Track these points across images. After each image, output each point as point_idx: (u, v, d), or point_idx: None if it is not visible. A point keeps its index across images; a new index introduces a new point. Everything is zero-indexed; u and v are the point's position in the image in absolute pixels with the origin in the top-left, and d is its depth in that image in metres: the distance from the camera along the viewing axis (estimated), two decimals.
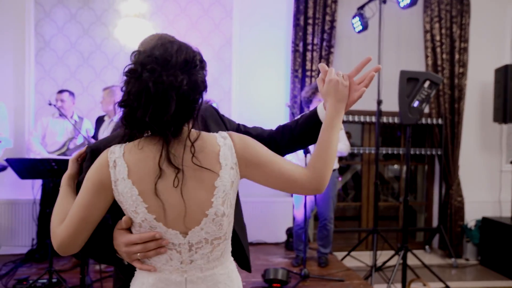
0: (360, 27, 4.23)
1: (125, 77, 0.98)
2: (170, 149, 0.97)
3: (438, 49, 4.64)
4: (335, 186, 3.75)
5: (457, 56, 4.67)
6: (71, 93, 3.91)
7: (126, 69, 0.98)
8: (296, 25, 4.47)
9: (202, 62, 1.01)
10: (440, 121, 4.65)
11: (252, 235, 4.57)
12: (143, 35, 4.62)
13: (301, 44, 4.46)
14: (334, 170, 3.66)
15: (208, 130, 1.16)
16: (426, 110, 4.62)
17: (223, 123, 1.34)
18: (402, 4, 3.60)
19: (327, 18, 4.48)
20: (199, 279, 1.04)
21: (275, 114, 4.49)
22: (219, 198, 1.00)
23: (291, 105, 3.79)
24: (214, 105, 1.79)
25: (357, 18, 4.24)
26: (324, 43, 4.47)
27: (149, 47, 0.98)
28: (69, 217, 1.00)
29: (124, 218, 1.03)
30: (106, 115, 3.71)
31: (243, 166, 1.04)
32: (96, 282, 3.12)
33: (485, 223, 4.48)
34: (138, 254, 1.01)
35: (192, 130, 1.02)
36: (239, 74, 4.57)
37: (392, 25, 4.61)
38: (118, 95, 3.55)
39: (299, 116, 1.29)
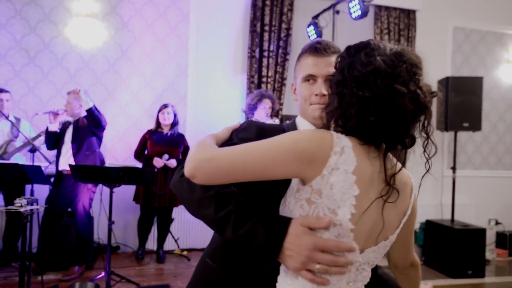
0: (315, 36, 4.35)
1: (359, 85, 0.88)
2: (386, 162, 0.92)
3: None
4: None
5: None
6: (10, 93, 3.74)
7: (367, 79, 0.88)
8: (252, 31, 4.52)
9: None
10: None
11: (206, 240, 4.52)
12: (96, 35, 4.51)
13: (257, 50, 4.51)
14: None
15: None
16: None
17: None
18: (354, 16, 3.74)
19: (283, 25, 4.57)
20: None
21: (230, 119, 4.50)
22: (399, 228, 0.98)
23: (247, 110, 3.82)
24: None
25: (312, 27, 4.36)
26: (280, 50, 4.55)
27: (390, 56, 0.90)
28: (232, 154, 0.84)
29: (328, 216, 0.86)
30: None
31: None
32: None
33: (428, 225, 4.74)
34: (318, 266, 0.84)
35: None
36: (195, 79, 4.53)
37: (345, 35, 4.77)
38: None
39: None
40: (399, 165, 0.97)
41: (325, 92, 1.07)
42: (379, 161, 0.91)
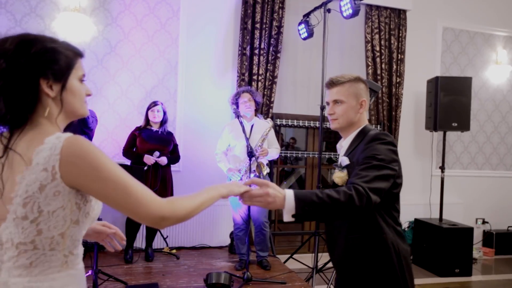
0: (306, 34, 4.34)
1: None
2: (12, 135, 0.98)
3: (378, 59, 4.89)
4: None
5: (394, 67, 4.95)
6: None
7: None
8: (243, 28, 4.49)
9: (22, 46, 0.98)
10: (379, 127, 4.89)
11: (195, 239, 4.50)
12: (84, 30, 4.43)
13: (248, 48, 4.48)
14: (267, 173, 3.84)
15: None
16: (366, 117, 4.84)
17: None
18: (345, 14, 3.74)
19: (274, 23, 4.55)
20: (5, 284, 0.95)
21: (221, 117, 4.47)
22: (19, 198, 0.93)
23: (234, 107, 3.80)
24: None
25: (303, 25, 4.34)
26: (271, 48, 4.53)
27: None
28: None
29: None
30: None
31: (71, 174, 0.94)
32: None
33: (417, 224, 4.78)
34: None
35: (41, 122, 1.00)
36: (185, 76, 4.49)
37: (336, 34, 4.78)
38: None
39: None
40: (37, 136, 0.99)
41: (332, 112, 1.68)
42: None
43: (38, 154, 0.93)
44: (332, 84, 1.68)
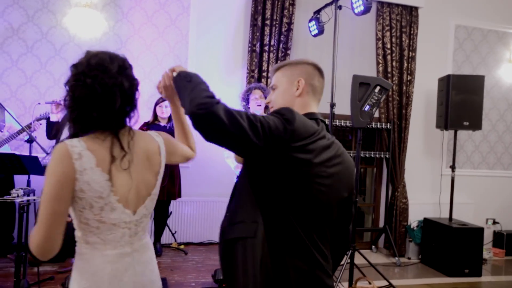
0: (316, 31, 4.31)
1: (68, 87, 1.17)
2: (120, 138, 1.19)
3: (389, 57, 4.84)
4: None
5: (405, 64, 4.90)
6: None
7: (69, 79, 1.17)
8: (253, 25, 4.48)
9: (130, 65, 1.28)
10: (388, 125, 4.85)
11: (203, 234, 4.51)
12: (95, 26, 4.47)
13: (258, 45, 4.47)
14: None
15: None
16: (376, 114, 4.81)
17: None
18: (356, 11, 3.70)
19: (285, 20, 4.53)
20: (140, 246, 1.26)
21: None
22: (158, 182, 1.29)
23: (244, 103, 3.80)
24: None
25: (313, 22, 4.32)
26: (281, 45, 4.52)
27: (85, 60, 1.18)
28: (40, 216, 1.07)
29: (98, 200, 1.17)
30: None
31: (167, 154, 1.35)
32: (33, 285, 2.93)
33: (426, 223, 4.74)
34: None
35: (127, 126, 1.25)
36: (194, 72, 4.48)
37: (347, 31, 4.75)
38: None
39: None
40: (143, 136, 1.30)
41: (268, 101, 1.48)
42: (110, 139, 1.18)
43: (160, 148, 1.31)
44: (272, 72, 1.49)
